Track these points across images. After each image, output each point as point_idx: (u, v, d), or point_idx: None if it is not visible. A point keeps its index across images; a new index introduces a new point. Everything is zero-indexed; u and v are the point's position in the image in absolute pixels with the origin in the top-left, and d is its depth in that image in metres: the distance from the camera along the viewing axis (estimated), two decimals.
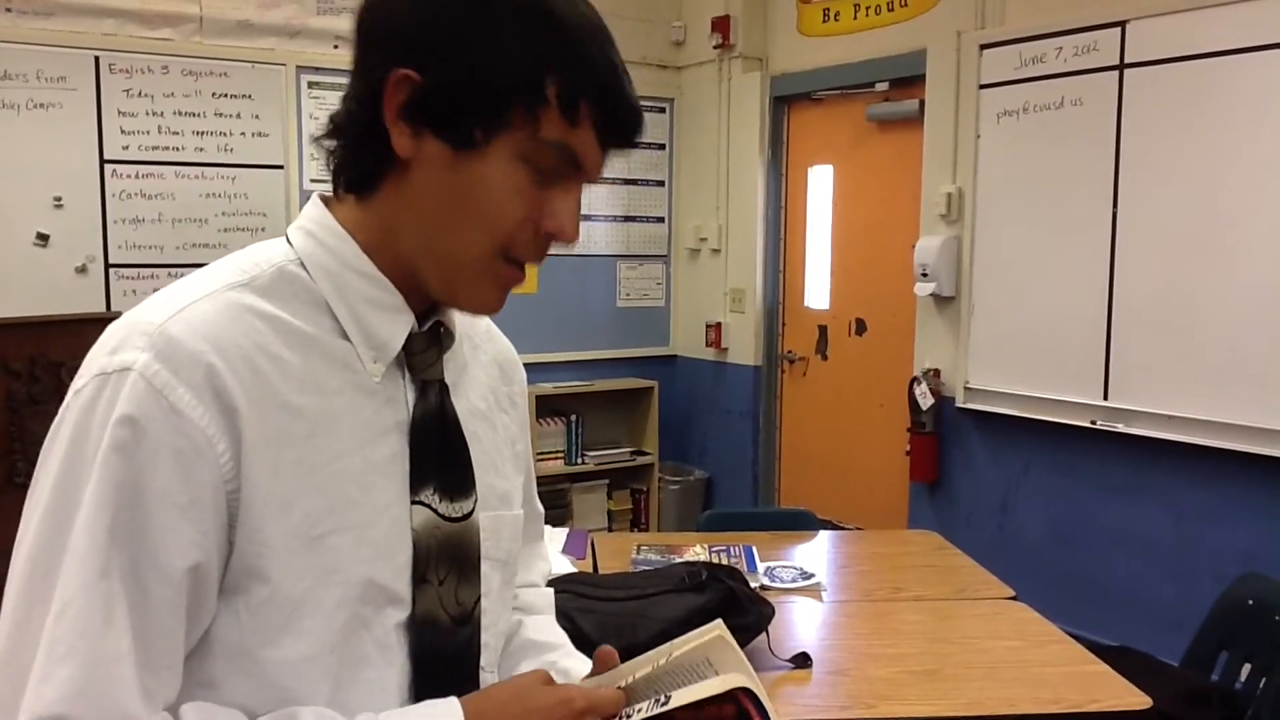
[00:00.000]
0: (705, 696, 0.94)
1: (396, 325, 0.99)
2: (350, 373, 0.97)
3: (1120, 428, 4.07)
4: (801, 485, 5.70)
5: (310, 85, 5.14)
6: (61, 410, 0.89)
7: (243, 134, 5.05)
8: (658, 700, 0.95)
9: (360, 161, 0.97)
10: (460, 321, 1.08)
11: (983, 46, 4.59)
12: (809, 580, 2.84)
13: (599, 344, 6.03)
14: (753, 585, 2.56)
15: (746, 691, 0.95)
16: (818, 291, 5.61)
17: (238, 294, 0.93)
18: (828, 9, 5.40)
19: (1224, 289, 3.76)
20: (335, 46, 5.09)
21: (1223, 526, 3.81)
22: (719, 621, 1.00)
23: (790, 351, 5.74)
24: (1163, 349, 3.95)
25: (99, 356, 0.89)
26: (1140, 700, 2.18)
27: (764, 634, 2.33)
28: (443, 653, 1.01)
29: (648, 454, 5.99)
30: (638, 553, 2.99)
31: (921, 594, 2.81)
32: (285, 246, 0.99)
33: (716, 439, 6.02)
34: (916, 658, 2.39)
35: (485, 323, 1.18)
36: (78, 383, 0.89)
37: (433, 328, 1.03)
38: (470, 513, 1.03)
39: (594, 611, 2.24)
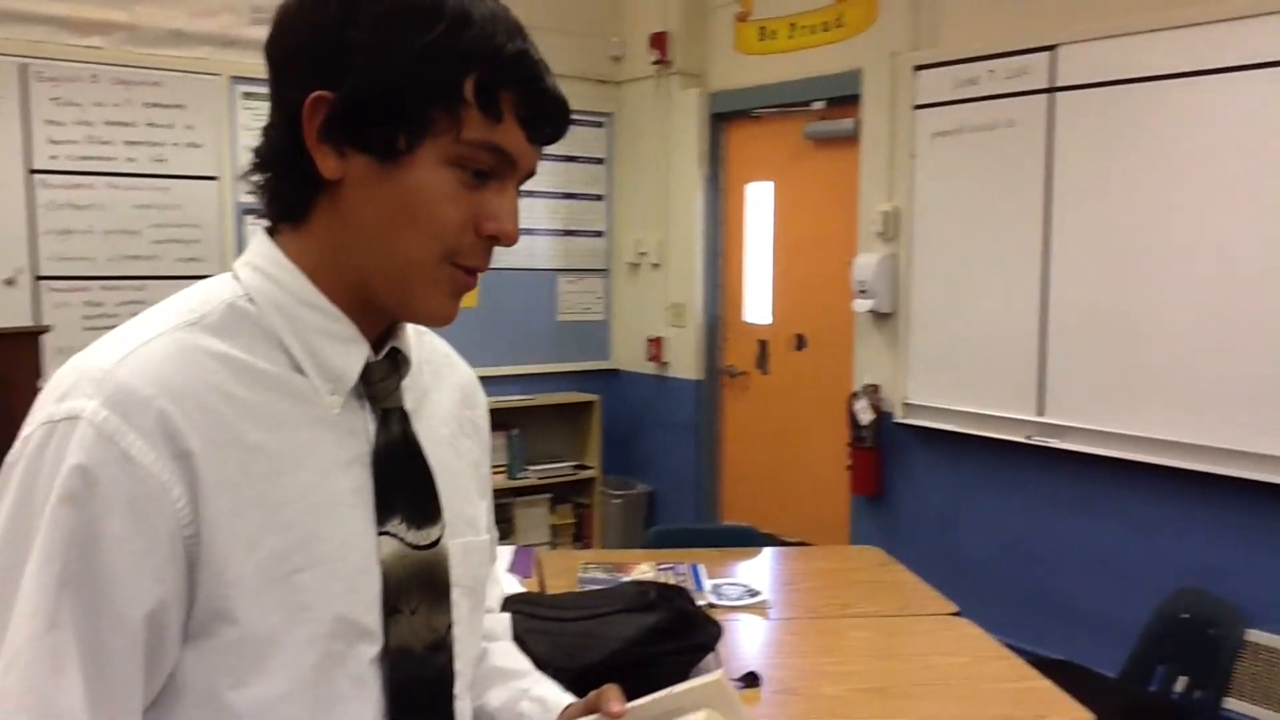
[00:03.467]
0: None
1: (351, 355, 0.98)
2: (309, 406, 0.95)
3: (1055, 443, 4.15)
4: (744, 499, 5.73)
5: (245, 96, 5.07)
6: (8, 460, 0.87)
7: (175, 145, 4.97)
8: None
9: (289, 190, 0.96)
10: (419, 348, 1.08)
11: (917, 67, 4.66)
12: (755, 598, 2.85)
13: (539, 358, 6.01)
14: (700, 603, 2.57)
15: None
16: (758, 306, 5.65)
17: (187, 334, 0.91)
18: (763, 27, 5.45)
19: (1153, 307, 3.85)
20: None
21: (1158, 541, 3.90)
22: (721, 671, 1.02)
23: (731, 366, 5.77)
24: (1095, 366, 4.04)
25: (46, 404, 0.87)
26: (1084, 716, 2.22)
27: (713, 653, 2.33)
28: (418, 682, 1.00)
29: (590, 468, 5.98)
30: (584, 571, 2.98)
31: (867, 610, 2.84)
32: (233, 283, 0.98)
33: (659, 453, 6.04)
34: (864, 675, 2.41)
35: (445, 348, 1.18)
36: (25, 430, 0.87)
37: (390, 354, 1.03)
38: (438, 540, 1.03)
39: (545, 633, 2.23)
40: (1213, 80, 3.67)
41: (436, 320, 0.99)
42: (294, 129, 0.92)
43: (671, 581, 2.83)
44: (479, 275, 0.99)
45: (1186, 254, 3.76)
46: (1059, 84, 4.15)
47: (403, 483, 1.01)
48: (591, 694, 1.08)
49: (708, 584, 2.91)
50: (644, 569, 2.98)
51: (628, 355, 6.23)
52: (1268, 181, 3.54)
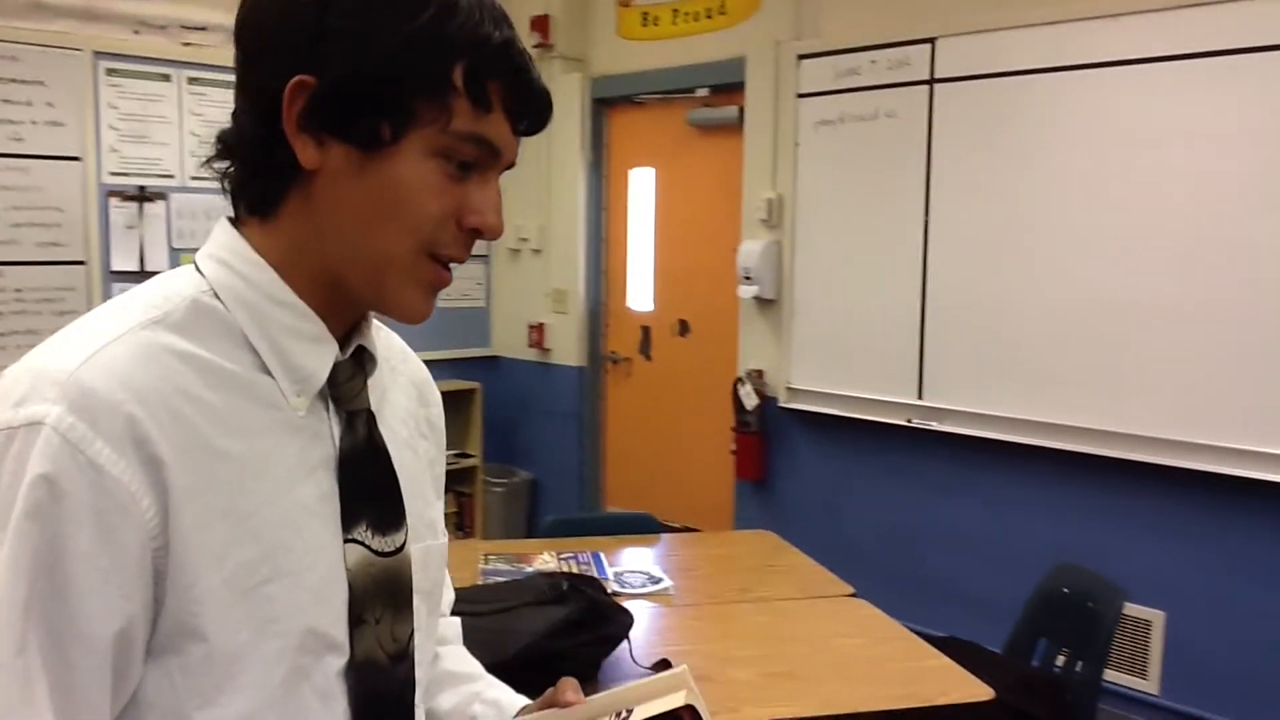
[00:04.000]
0: (666, 710, 0.96)
1: (320, 356, 0.94)
2: (274, 410, 0.91)
3: (935, 426, 4.28)
4: (628, 486, 5.75)
5: (109, 73, 4.84)
6: None
7: (34, 123, 4.71)
8: (619, 714, 0.96)
9: (262, 181, 0.92)
10: (377, 343, 1.04)
11: (800, 57, 4.73)
12: (658, 585, 2.87)
13: (417, 345, 5.61)
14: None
15: (690, 710, 0.97)
16: (641, 293, 5.67)
17: (151, 333, 0.86)
18: (646, 13, 5.45)
19: (1027, 293, 4.00)
20: (136, 32, 4.83)
21: (1036, 519, 4.06)
22: (685, 665, 1.01)
23: (614, 352, 5.78)
24: (972, 350, 4.18)
25: (1, 409, 0.81)
26: (983, 691, 2.29)
27: (626, 641, 2.34)
28: (383, 693, 0.98)
29: (471, 456, 5.92)
30: (486, 562, 2.95)
31: (766, 594, 2.88)
32: (196, 277, 0.92)
33: (541, 440, 6.01)
34: (771, 659, 2.44)
35: (399, 343, 1.14)
36: None
37: (355, 353, 0.99)
38: (402, 545, 1.00)
39: None
40: (1083, 75, 3.82)
41: (412, 317, 0.96)
42: (267, 117, 0.88)
43: (574, 571, 2.83)
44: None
45: (1059, 242, 3.90)
46: (938, 76, 4.26)
47: (368, 488, 0.97)
48: (549, 690, 1.07)
49: (610, 572, 2.91)
50: (546, 559, 2.96)
51: (509, 342, 6.18)
52: (1133, 173, 3.70)
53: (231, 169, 0.93)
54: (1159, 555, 3.74)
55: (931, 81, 4.28)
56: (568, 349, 5.82)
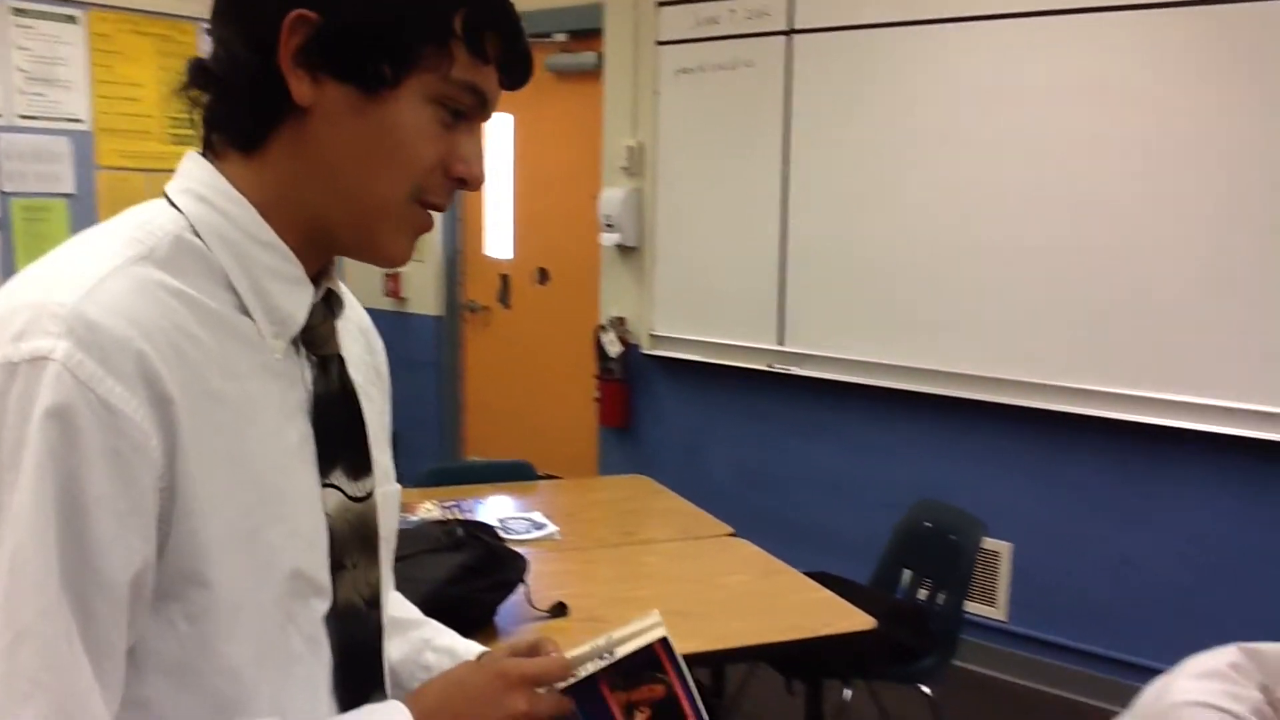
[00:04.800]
0: (645, 644, 0.99)
1: (299, 298, 0.93)
2: (256, 352, 0.89)
3: (796, 370, 4.40)
4: (489, 435, 5.73)
5: (17, 13, 4.53)
6: None
7: None
8: (601, 658, 0.98)
9: (250, 114, 0.89)
10: None
11: (660, 3, 4.74)
12: (543, 530, 2.89)
13: None
14: None
15: (664, 643, 1.01)
16: (499, 240, 5.62)
17: (142, 268, 0.83)
18: None
19: (885, 240, 4.13)
20: None
21: (894, 459, 4.23)
22: (656, 612, 1.03)
23: (472, 301, 5.73)
24: (831, 296, 4.30)
25: None
26: (865, 621, 2.40)
27: (523, 585, 2.35)
28: (361, 639, 0.98)
29: None
30: None
31: (651, 537, 2.94)
32: (173, 212, 0.89)
33: (398, 391, 5.79)
34: (662, 599, 2.49)
35: (344, 289, 1.13)
36: None
37: (325, 297, 0.97)
38: (371, 491, 1.00)
39: None
40: (937, 29, 3.95)
41: (395, 261, 0.96)
42: (262, 49, 0.85)
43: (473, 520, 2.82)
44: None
45: (914, 190, 4.04)
46: (796, 27, 4.33)
47: (341, 433, 0.97)
48: (521, 642, 1.07)
49: (494, 519, 2.91)
50: (429, 508, 2.94)
51: (364, 290, 5.98)
52: (981, 125, 3.85)
53: (209, 100, 0.90)
54: (1007, 490, 3.95)
55: (790, 32, 4.35)
56: (424, 298, 5.74)
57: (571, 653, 1.01)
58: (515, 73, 0.94)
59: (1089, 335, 3.67)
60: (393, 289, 5.80)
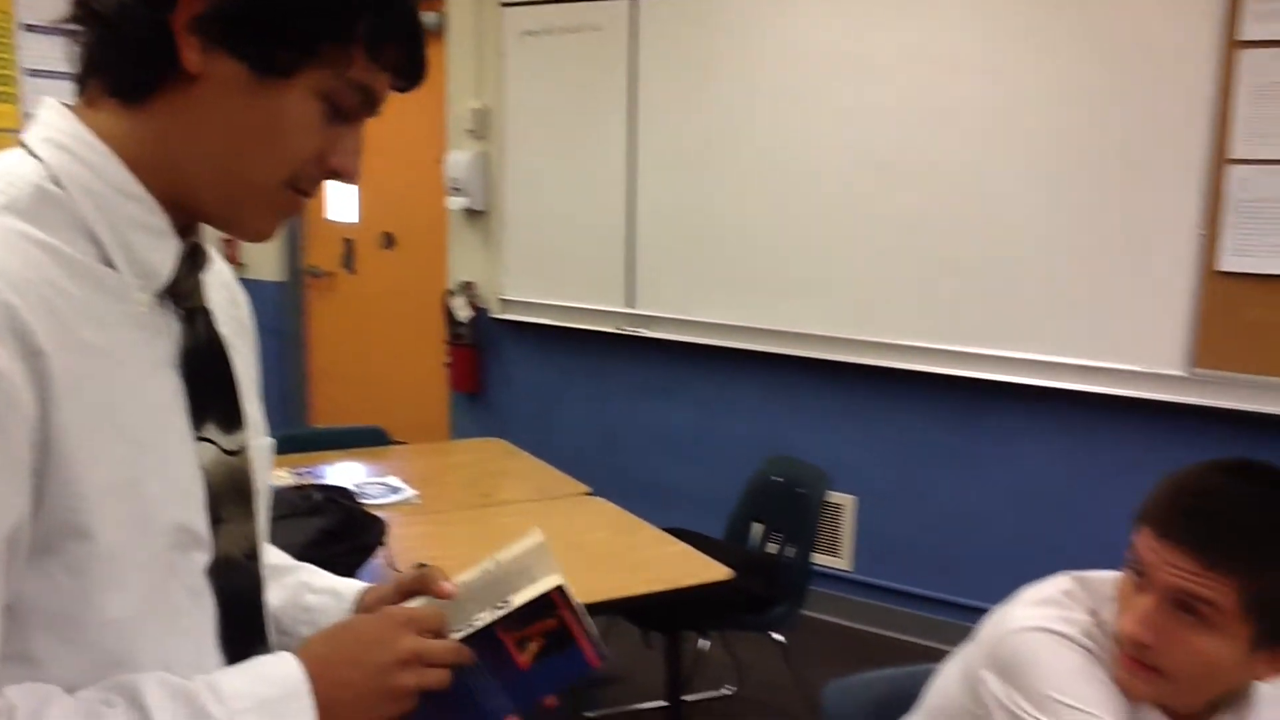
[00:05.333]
0: (539, 595, 1.00)
1: (165, 251, 0.91)
2: (122, 304, 0.88)
3: (645, 333, 4.46)
4: (335, 402, 5.63)
5: None
6: None
7: None
8: (497, 606, 1.00)
9: (136, 66, 0.87)
10: None
11: None
12: (399, 494, 2.87)
13: None
14: None
15: (560, 591, 1.02)
16: (342, 204, 5.50)
17: (6, 219, 0.81)
18: None
19: (730, 204, 4.22)
20: None
21: (743, 417, 4.34)
22: (538, 529, 1.05)
23: (315, 266, 5.60)
24: (680, 259, 4.37)
25: None
26: (721, 572, 2.47)
27: (383, 548, 2.35)
28: (242, 592, 0.98)
29: None
30: None
31: (508, 498, 2.96)
32: (33, 161, 0.86)
33: None
34: None
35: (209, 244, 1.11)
36: None
37: (191, 250, 0.96)
38: (245, 445, 0.99)
39: None
40: None
41: (258, 238, 0.96)
42: (159, 3, 0.83)
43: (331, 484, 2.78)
44: None
45: (761, 154, 4.13)
46: None
47: (212, 386, 0.96)
48: (406, 576, 1.08)
49: (349, 484, 2.88)
50: (282, 475, 2.89)
51: None
52: (822, 92, 3.96)
53: (98, 41, 0.87)
54: (851, 445, 4.10)
55: None
56: (264, 263, 5.59)
57: (459, 578, 1.03)
58: (409, 79, 0.95)
59: (927, 296, 3.83)
60: (230, 254, 5.61)
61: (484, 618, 0.99)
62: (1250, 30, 3.25)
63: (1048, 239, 3.62)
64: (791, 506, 3.26)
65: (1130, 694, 1.26)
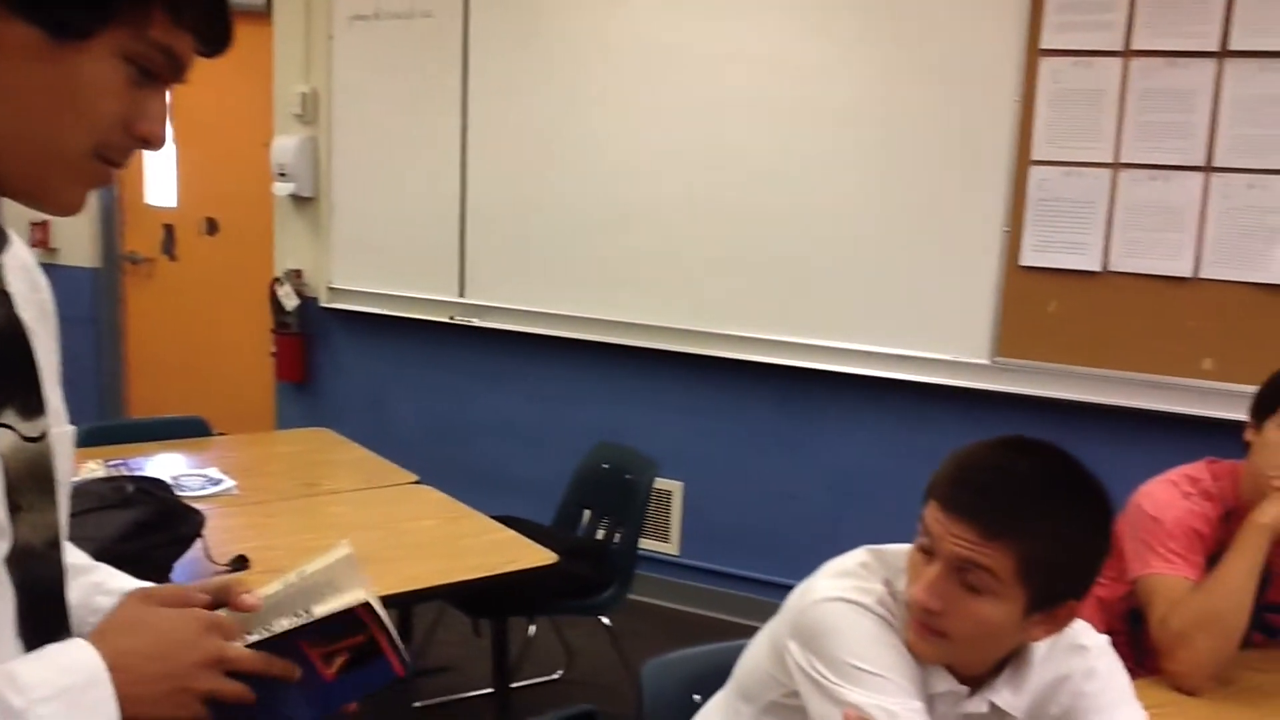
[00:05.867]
0: (343, 608, 0.99)
1: None
2: None
3: (476, 322, 4.46)
4: (155, 394, 5.43)
5: None
6: None
7: None
8: (297, 614, 0.98)
9: None
10: None
11: None
12: (219, 486, 2.81)
13: None
14: None
15: (367, 607, 1.01)
16: (161, 188, 5.31)
17: None
18: None
19: (562, 194, 4.25)
20: None
21: (574, 405, 4.38)
22: (346, 542, 1.04)
23: (133, 252, 5.39)
24: (512, 249, 4.38)
25: None
26: (546, 556, 2.50)
27: (200, 539, 2.30)
28: (43, 581, 0.95)
29: None
30: None
31: (335, 488, 2.92)
32: None
33: None
34: None
35: (7, 226, 1.08)
36: None
37: None
38: (46, 432, 0.97)
39: None
40: None
41: (66, 211, 0.93)
42: None
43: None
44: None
45: (592, 146, 4.18)
46: None
47: (11, 371, 0.93)
48: (210, 584, 1.06)
49: (166, 476, 2.80)
50: (93, 467, 2.79)
51: None
52: (655, 83, 4.03)
53: None
54: (678, 432, 4.19)
55: None
56: (78, 248, 5.34)
57: (262, 591, 1.01)
58: (213, 42, 0.93)
59: (751, 287, 3.95)
60: (41, 239, 5.36)
61: (283, 624, 0.98)
62: (1050, 39, 3.46)
63: (865, 234, 3.77)
64: (620, 493, 3.32)
65: (920, 657, 1.34)
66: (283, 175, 4.72)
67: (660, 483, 4.18)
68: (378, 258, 4.66)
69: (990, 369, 3.61)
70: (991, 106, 3.54)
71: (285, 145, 4.71)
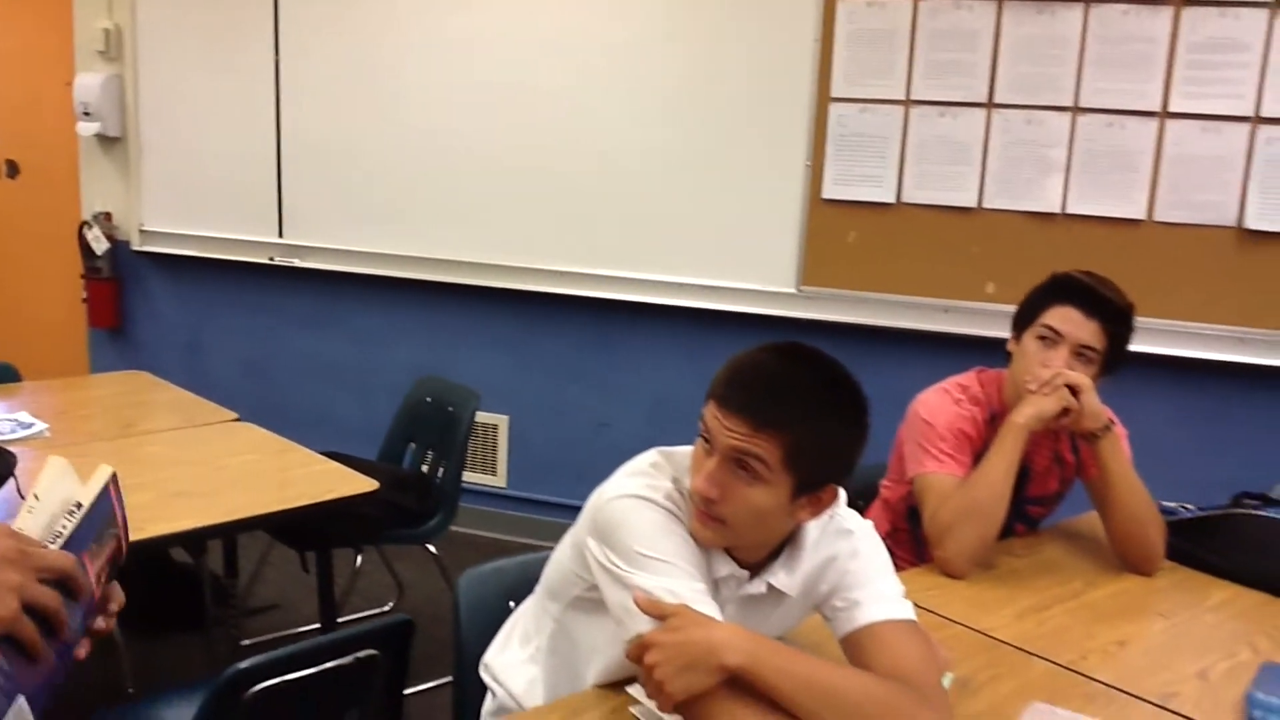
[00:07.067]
0: (101, 486, 1.03)
1: None
2: None
3: (296, 263, 4.43)
4: None
5: None
6: None
7: None
8: (69, 514, 0.98)
9: None
10: None
11: None
12: (30, 429, 2.77)
13: None
14: None
15: (114, 479, 1.07)
16: None
17: None
18: None
19: (376, 133, 4.26)
20: None
21: (396, 345, 4.41)
22: (60, 459, 1.03)
23: None
24: (330, 188, 4.37)
25: None
26: (368, 483, 2.57)
27: (12, 481, 2.28)
28: None
29: None
30: None
31: (152, 428, 2.91)
32: None
33: None
34: (167, 482, 2.51)
35: None
36: None
37: None
38: None
39: None
40: None
41: None
42: None
43: None
44: None
45: (403, 85, 4.19)
46: None
47: None
48: None
49: None
50: None
51: None
52: (469, 22, 4.06)
53: None
54: (501, 368, 4.28)
55: None
56: None
57: (16, 524, 0.96)
58: None
59: (565, 223, 4.05)
60: None
61: (64, 528, 0.96)
62: None
63: (675, 170, 3.91)
64: (443, 425, 3.39)
65: (703, 543, 1.48)
66: (87, 115, 4.56)
67: (486, 417, 4.27)
68: (191, 199, 4.57)
69: (796, 297, 3.81)
70: (792, 46, 3.71)
71: (88, 84, 4.55)
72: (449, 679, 1.87)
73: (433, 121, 4.15)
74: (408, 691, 1.98)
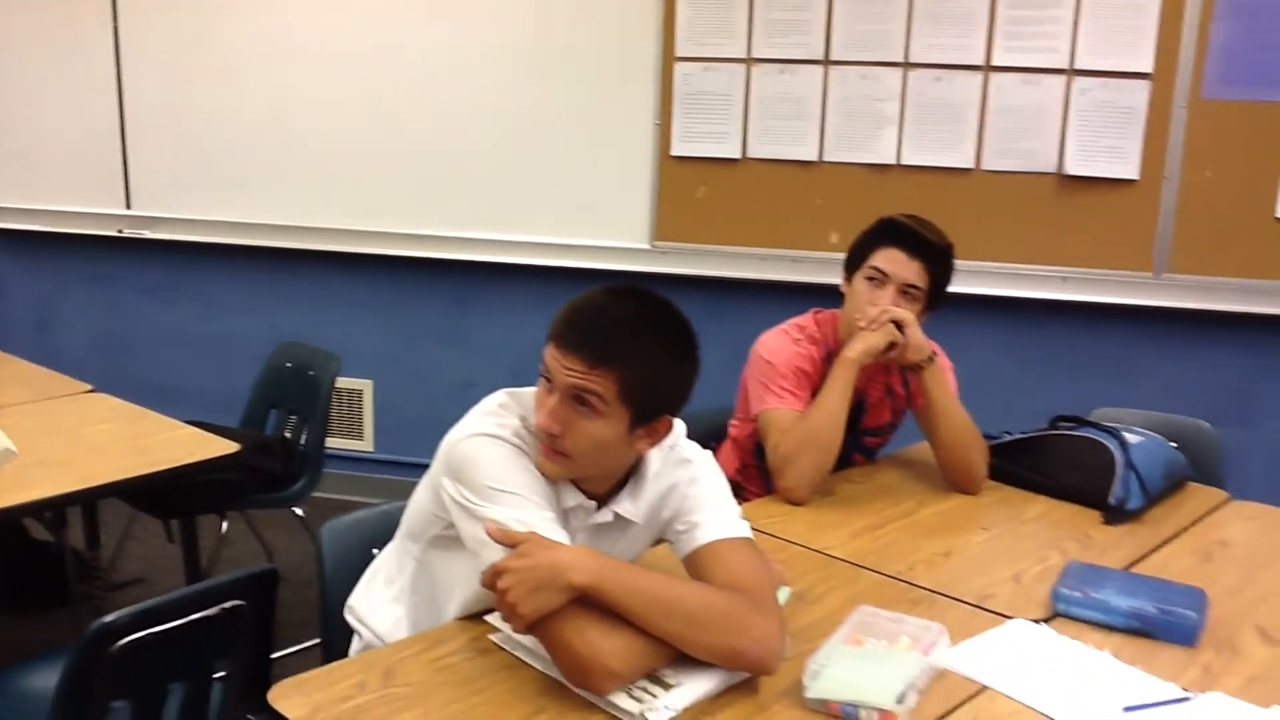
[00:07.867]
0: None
1: None
2: None
3: (146, 234, 4.36)
4: None
5: None
6: None
7: None
8: None
9: None
10: None
11: None
12: None
13: None
14: None
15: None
16: None
17: None
18: None
19: (224, 100, 4.21)
20: None
21: (253, 313, 4.39)
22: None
23: None
24: (178, 158, 4.30)
25: None
26: (228, 446, 2.59)
27: None
28: None
29: None
30: None
31: (4, 402, 2.87)
32: None
33: None
34: (22, 454, 2.47)
35: None
36: None
37: None
38: None
39: None
40: None
41: None
42: None
43: None
44: None
45: (248, 50, 4.15)
46: None
47: None
48: None
49: None
50: None
51: None
52: None
53: None
54: (363, 333, 4.30)
55: None
56: None
57: None
58: None
59: (420, 186, 4.08)
60: None
61: None
62: None
63: (527, 131, 3.97)
64: (304, 389, 3.41)
65: (549, 476, 1.57)
66: None
67: (350, 382, 4.29)
68: (31, 172, 4.45)
69: (650, 253, 3.92)
70: (637, 6, 3.79)
71: None
72: (319, 640, 1.91)
73: (279, 87, 4.13)
74: (278, 654, 2.03)
